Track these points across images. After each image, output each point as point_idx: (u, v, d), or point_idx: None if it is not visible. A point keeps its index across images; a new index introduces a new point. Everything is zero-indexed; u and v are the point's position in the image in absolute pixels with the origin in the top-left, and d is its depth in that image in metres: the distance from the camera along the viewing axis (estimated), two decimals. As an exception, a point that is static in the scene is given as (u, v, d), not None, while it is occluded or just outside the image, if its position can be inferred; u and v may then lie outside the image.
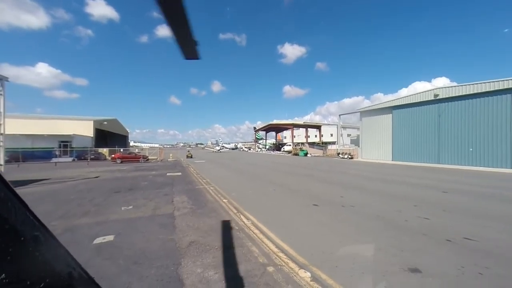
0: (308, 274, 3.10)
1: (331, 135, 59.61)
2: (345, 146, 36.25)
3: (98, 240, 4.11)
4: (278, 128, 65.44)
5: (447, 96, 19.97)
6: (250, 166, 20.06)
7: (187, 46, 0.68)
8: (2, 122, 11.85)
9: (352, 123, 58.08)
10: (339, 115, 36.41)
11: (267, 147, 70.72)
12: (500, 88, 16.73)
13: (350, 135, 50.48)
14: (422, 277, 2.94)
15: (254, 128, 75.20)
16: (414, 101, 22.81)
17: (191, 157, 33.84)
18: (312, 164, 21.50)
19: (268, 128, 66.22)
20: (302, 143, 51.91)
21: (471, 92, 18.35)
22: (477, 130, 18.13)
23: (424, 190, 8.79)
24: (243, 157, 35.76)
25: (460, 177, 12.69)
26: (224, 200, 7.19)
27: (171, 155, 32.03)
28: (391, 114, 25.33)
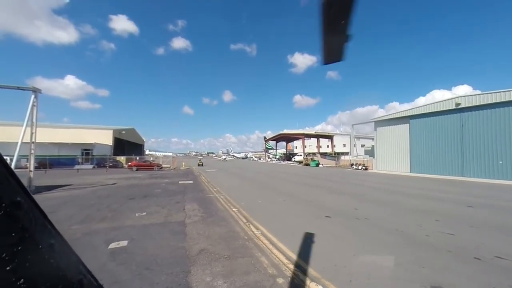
0: (320, 287, 2.98)
1: (344, 145, 58.17)
2: (358, 157, 35.08)
3: (113, 245, 4.25)
4: (289, 138, 65.14)
5: (470, 105, 18.93)
6: (260, 175, 19.95)
7: (335, 46, 0.59)
8: (34, 131, 12.96)
9: (366, 133, 56.50)
10: (352, 125, 35.65)
11: (277, 157, 70.26)
12: None
13: (364, 145, 48.92)
14: None
15: (264, 137, 75.40)
16: (433, 110, 21.84)
17: (202, 165, 34.53)
18: (324, 175, 20.93)
19: (278, 138, 66.12)
20: (314, 153, 51.01)
21: (499, 101, 17.25)
22: (507, 141, 16.82)
23: (446, 204, 8.20)
24: (253, 166, 35.70)
25: (487, 191, 11.70)
26: (233, 209, 7.18)
27: (183, 163, 32.82)
28: (408, 124, 24.36)
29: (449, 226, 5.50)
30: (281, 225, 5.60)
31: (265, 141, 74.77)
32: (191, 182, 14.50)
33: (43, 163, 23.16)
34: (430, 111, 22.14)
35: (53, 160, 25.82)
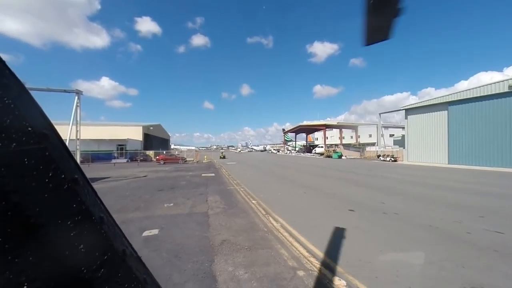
0: (343, 282, 2.91)
1: (370, 135, 54.56)
2: (386, 147, 32.69)
3: (146, 233, 4.68)
4: (309, 129, 63.18)
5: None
6: (279, 167, 19.88)
7: (381, 23, 0.53)
8: (78, 129, 14.58)
9: (395, 122, 52.14)
10: (379, 114, 33.15)
11: (297, 149, 68.98)
12: None
13: (393, 135, 45.27)
14: None
15: (283, 129, 74.34)
16: (479, 95, 19.13)
17: (224, 157, 35.94)
18: (348, 167, 20.02)
19: (298, 130, 64.58)
20: (336, 145, 48.90)
21: None
22: None
23: (493, 199, 7.27)
24: (272, 159, 35.67)
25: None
26: (253, 202, 7.32)
27: (205, 157, 34.24)
28: (446, 111, 21.81)
29: (497, 224, 4.89)
30: (301, 218, 5.56)
31: (283, 133, 73.76)
32: (213, 174, 15.09)
33: (87, 158, 26.12)
34: (475, 95, 19.44)
35: (94, 155, 28.94)
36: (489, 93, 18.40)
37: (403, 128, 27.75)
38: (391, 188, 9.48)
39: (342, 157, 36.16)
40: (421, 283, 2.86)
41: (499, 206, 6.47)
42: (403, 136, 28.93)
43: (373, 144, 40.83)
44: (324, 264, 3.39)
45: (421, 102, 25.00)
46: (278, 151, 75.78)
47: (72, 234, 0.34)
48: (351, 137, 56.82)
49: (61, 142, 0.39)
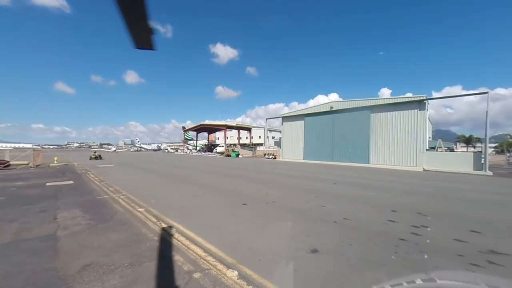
0: (236, 273, 3.13)
1: (259, 137, 64.73)
2: (270, 147, 40.36)
3: None
4: (211, 129, 63.79)
5: (338, 108, 26.51)
6: (177, 169, 18.30)
7: (141, 33, 0.60)
8: None
9: (276, 127, 65.76)
10: (266, 119, 40.11)
11: (198, 148, 67.14)
12: (361, 105, 24.11)
13: (274, 137, 56.80)
14: (320, 255, 3.65)
15: (183, 127, 69.52)
16: (317, 111, 28.78)
17: (99, 158, 26.97)
18: (243, 165, 22.41)
19: (199, 128, 63.04)
20: (234, 144, 53.16)
21: (350, 107, 25.26)
22: (353, 136, 25.08)
23: (322, 183, 11.16)
24: (169, 159, 32.06)
25: (344, 171, 17.10)
26: (139, 209, 6.10)
27: (56, 158, 23.48)
28: (303, 121, 30.65)
29: (323, 200, 7.47)
30: (199, 219, 5.39)
31: (184, 131, 68.85)
32: (70, 182, 10.83)
33: None
34: (315, 111, 29.00)
35: None
36: (321, 110, 28.24)
37: (281, 132, 35.62)
38: (271, 181, 11.74)
39: (239, 156, 39.91)
40: (286, 255, 3.73)
41: (324, 187, 10.04)
42: (280, 138, 37.14)
43: (261, 145, 48.79)
44: (220, 260, 3.48)
45: (291, 112, 33.46)
46: (177, 150, 69.38)
47: None
48: (246, 137, 64.18)
49: None
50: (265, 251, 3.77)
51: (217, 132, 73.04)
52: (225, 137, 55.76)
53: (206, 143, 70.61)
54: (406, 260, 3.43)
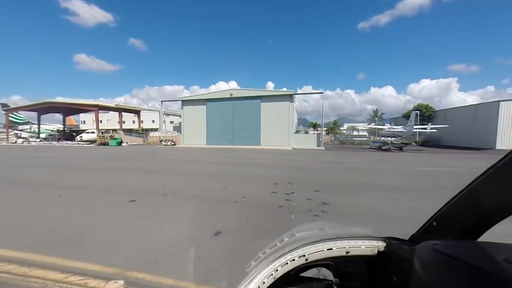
0: (121, 282, 2.61)
1: (153, 121, 55.88)
2: (168, 133, 36.24)
3: None
4: (70, 109, 45.31)
5: (237, 95, 28.47)
6: (7, 167, 11.66)
7: None
8: None
9: (175, 111, 59.53)
10: (162, 102, 35.07)
11: (43, 135, 45.58)
12: (254, 95, 27.76)
13: (173, 122, 51.37)
14: (222, 236, 3.93)
15: (4, 105, 44.35)
16: (219, 97, 29.35)
17: None
18: (130, 155, 18.48)
19: (45, 108, 42.51)
20: (115, 130, 41.98)
21: (247, 95, 28.11)
22: (249, 121, 28.41)
23: (224, 166, 11.87)
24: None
25: (242, 153, 19.17)
26: None
27: None
28: (205, 106, 30.06)
29: (225, 183, 7.99)
30: (54, 235, 3.83)
31: (5, 110, 43.42)
32: None
33: None
34: (218, 97, 29.47)
35: None
36: (223, 97, 29.23)
37: (181, 116, 32.76)
38: (170, 170, 10.73)
39: (123, 144, 32.28)
40: (187, 247, 3.66)
41: (226, 170, 10.75)
42: (180, 123, 34.20)
43: (156, 130, 42.42)
44: (92, 275, 2.72)
45: (191, 96, 31.54)
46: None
47: None
48: (134, 122, 52.90)
49: None
50: (162, 247, 3.45)
51: (82, 114, 54.24)
52: (97, 121, 42.02)
53: (62, 129, 50.05)
54: (282, 223, 4.51)
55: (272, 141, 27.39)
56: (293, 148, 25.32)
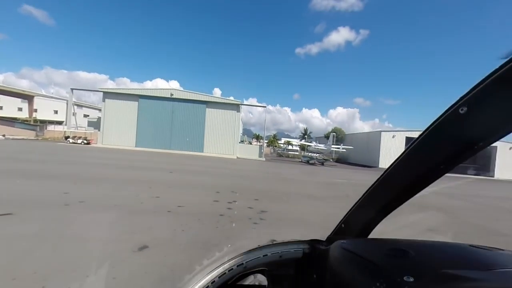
0: None
1: (56, 112, 42.92)
2: (79, 128, 28.65)
3: None
4: None
5: (179, 97, 26.41)
6: None
7: None
8: None
9: (92, 103, 48.22)
10: (71, 89, 27.75)
11: None
12: (200, 99, 26.80)
13: (88, 116, 41.16)
14: (148, 251, 3.30)
15: None
16: (156, 95, 26.29)
17: None
18: (13, 152, 13.20)
19: None
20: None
21: (191, 98, 26.61)
22: (191, 126, 26.82)
23: (158, 172, 10.44)
24: None
25: (181, 159, 17.61)
26: None
27: None
28: (137, 102, 26.06)
29: (157, 191, 6.95)
30: None
31: None
32: None
33: None
34: (155, 95, 26.34)
35: None
36: (162, 95, 26.41)
37: (100, 110, 26.81)
38: (78, 175, 8.37)
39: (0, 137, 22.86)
40: (105, 262, 2.86)
41: (160, 177, 9.48)
42: (99, 118, 27.85)
43: (61, 123, 32.64)
44: None
45: (119, 89, 26.66)
46: None
47: None
48: (20, 109, 38.84)
49: None
50: (62, 270, 2.50)
51: None
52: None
53: None
54: (223, 231, 4.31)
55: (217, 149, 26.72)
56: (237, 157, 25.54)
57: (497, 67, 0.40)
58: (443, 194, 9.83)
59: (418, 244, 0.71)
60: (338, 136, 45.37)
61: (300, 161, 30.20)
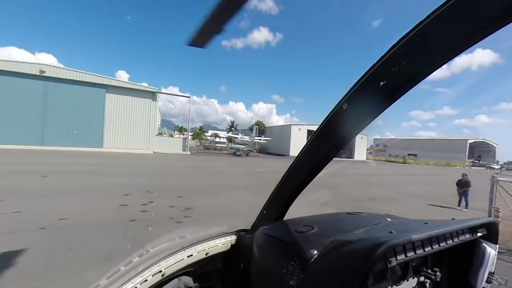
0: None
1: None
2: None
3: None
4: None
5: (54, 75, 19.09)
6: None
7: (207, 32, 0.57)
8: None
9: None
10: None
11: None
12: (95, 81, 20.34)
13: None
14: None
15: None
16: (14, 70, 17.82)
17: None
18: None
19: None
20: None
21: (77, 78, 19.80)
22: (81, 115, 20.21)
23: (22, 177, 7.24)
24: None
25: (65, 158, 13.05)
26: None
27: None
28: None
29: (17, 204, 4.76)
30: None
31: None
32: None
33: None
34: (9, 69, 17.73)
35: None
36: (23, 71, 18.13)
37: None
38: None
39: None
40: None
41: (25, 183, 6.63)
42: None
43: None
44: None
45: None
46: None
47: None
48: None
49: None
50: None
51: None
52: None
53: None
54: (135, 238, 3.55)
55: (125, 143, 21.79)
56: (154, 152, 22.08)
57: (364, 72, 0.51)
58: (328, 174, 13.06)
59: (319, 220, 0.84)
60: (260, 128, 49.64)
61: (227, 153, 30.64)
